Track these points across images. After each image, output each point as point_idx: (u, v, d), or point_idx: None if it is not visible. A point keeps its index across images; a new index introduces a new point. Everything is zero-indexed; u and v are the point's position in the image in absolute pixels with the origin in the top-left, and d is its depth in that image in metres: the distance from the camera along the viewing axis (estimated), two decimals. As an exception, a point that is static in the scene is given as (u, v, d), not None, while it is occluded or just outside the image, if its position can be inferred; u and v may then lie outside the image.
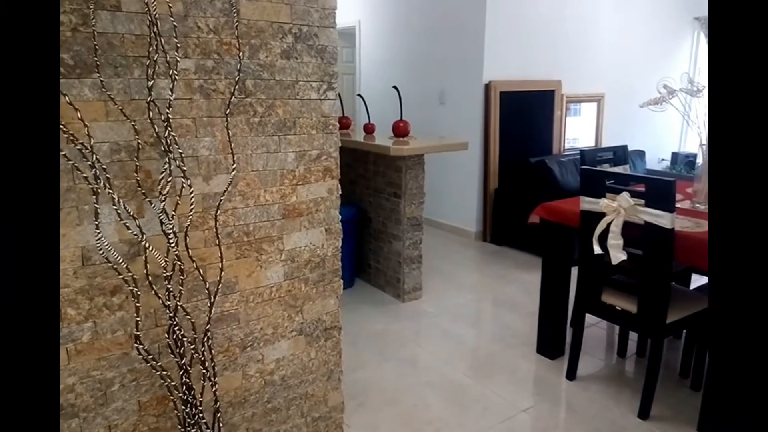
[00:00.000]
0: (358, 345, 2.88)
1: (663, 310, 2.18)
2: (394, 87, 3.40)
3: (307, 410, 1.87)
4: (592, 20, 4.98)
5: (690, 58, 6.08)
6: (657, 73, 5.77)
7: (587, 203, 2.35)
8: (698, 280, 3.25)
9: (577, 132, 5.21)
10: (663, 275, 2.15)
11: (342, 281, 1.86)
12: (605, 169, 2.29)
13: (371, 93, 5.48)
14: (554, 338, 2.77)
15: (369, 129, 3.71)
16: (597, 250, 2.30)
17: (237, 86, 1.53)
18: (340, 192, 1.79)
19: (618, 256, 2.24)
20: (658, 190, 2.09)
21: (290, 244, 1.71)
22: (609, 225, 2.26)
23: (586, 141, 5.30)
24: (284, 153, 1.65)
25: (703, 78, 6.09)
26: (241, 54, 1.52)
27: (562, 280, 2.73)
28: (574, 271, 2.82)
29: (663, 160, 6.03)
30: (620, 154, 3.14)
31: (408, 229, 3.34)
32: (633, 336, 2.89)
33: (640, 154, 5.22)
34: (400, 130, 3.36)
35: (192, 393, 1.41)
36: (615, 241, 2.24)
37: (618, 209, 2.22)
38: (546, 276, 2.76)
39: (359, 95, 4.09)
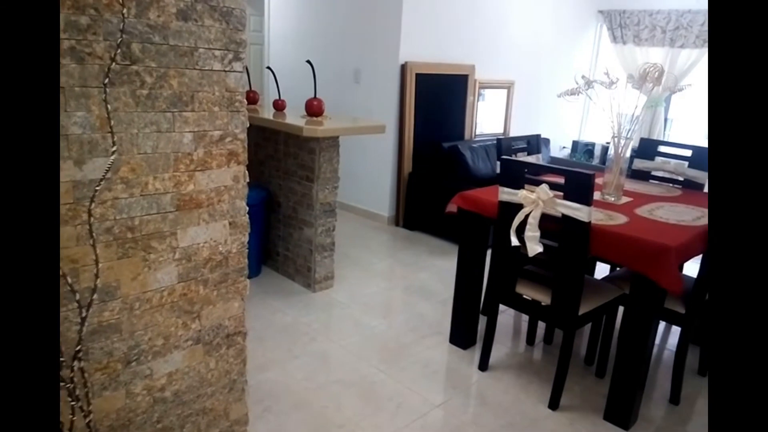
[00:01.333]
0: (265, 341, 2.67)
1: (576, 302, 2.19)
2: (308, 62, 3.16)
3: (205, 426, 1.65)
4: (506, 7, 4.99)
5: (592, 50, 6.34)
6: (563, 64, 5.96)
7: (506, 194, 2.30)
8: (603, 270, 3.37)
9: (485, 118, 5.24)
10: (578, 268, 2.15)
11: (248, 281, 1.65)
12: (524, 160, 2.25)
13: (281, 67, 5.16)
14: (467, 328, 2.74)
15: (279, 106, 3.44)
16: (514, 241, 2.26)
17: (119, 50, 1.25)
18: (247, 180, 1.57)
19: (535, 248, 2.21)
20: (577, 184, 2.08)
21: (186, 240, 1.47)
22: (526, 216, 2.23)
23: (495, 128, 5.37)
24: (179, 133, 1.40)
25: (600, 71, 6.39)
26: (125, 11, 1.25)
27: (477, 270, 2.69)
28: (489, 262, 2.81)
29: (564, 147, 6.28)
30: (534, 143, 3.15)
31: (321, 215, 3.15)
32: (541, 323, 2.93)
33: (545, 141, 5.37)
34: (313, 109, 3.13)
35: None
36: (532, 233, 2.21)
37: (536, 201, 2.19)
38: (461, 266, 2.70)
39: (269, 68, 3.79)
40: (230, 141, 1.51)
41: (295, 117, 3.17)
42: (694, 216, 2.41)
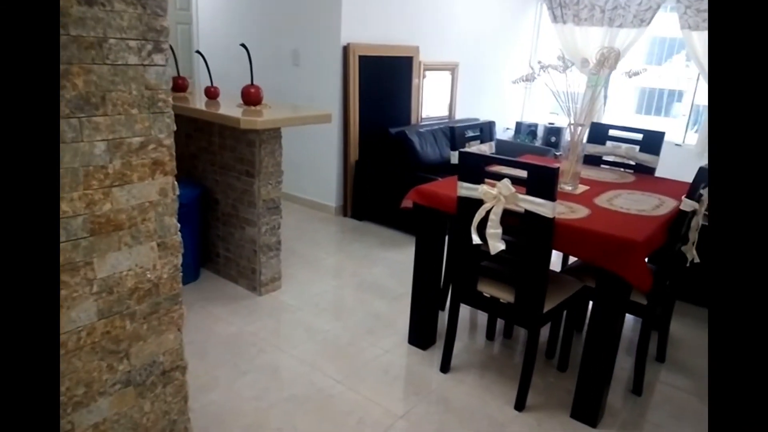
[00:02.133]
0: (207, 357, 2.44)
1: (541, 300, 2.10)
2: (243, 45, 2.87)
3: (143, 479, 1.43)
4: (448, -16, 4.83)
5: (534, 31, 6.30)
6: (505, 44, 5.88)
7: (465, 189, 2.16)
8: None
9: (430, 101, 5.09)
10: (542, 265, 2.05)
11: (184, 308, 1.42)
12: (485, 154, 2.12)
13: (212, 49, 4.79)
14: (426, 328, 2.61)
15: (212, 94, 3.14)
16: (476, 239, 2.13)
17: (1, 41, 0.99)
18: (177, 192, 1.34)
19: (497, 245, 2.09)
20: (540, 178, 1.96)
21: (105, 269, 1.22)
22: (488, 213, 2.10)
23: (440, 111, 5.24)
24: (89, 143, 1.15)
25: (542, 50, 6.38)
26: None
27: (435, 267, 2.56)
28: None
29: (507, 129, 6.26)
30: (486, 131, 3.03)
31: (264, 212, 2.91)
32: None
33: (491, 124, 5.29)
34: (251, 97, 2.86)
35: None
36: (494, 230, 2.09)
37: (498, 197, 2.06)
38: (419, 263, 2.56)
39: (198, 52, 3.46)
40: (154, 148, 1.26)
41: (230, 106, 2.89)
42: (653, 204, 2.36)
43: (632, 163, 3.07)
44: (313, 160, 4.45)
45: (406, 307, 2.97)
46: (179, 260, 1.37)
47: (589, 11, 5.76)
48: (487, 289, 2.26)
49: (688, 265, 2.36)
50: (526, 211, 2.02)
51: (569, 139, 2.61)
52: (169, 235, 1.33)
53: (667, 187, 2.70)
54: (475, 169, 2.13)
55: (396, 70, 4.53)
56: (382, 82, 4.43)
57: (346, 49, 4.06)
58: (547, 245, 2.02)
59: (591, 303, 2.91)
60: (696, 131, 5.75)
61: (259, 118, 2.58)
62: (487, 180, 2.12)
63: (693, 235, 2.31)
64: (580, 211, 2.19)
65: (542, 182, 1.96)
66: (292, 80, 4.43)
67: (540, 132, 6.01)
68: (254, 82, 2.92)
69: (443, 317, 2.86)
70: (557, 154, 5.61)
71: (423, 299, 2.57)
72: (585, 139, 2.54)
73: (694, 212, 2.19)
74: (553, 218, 1.97)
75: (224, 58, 4.61)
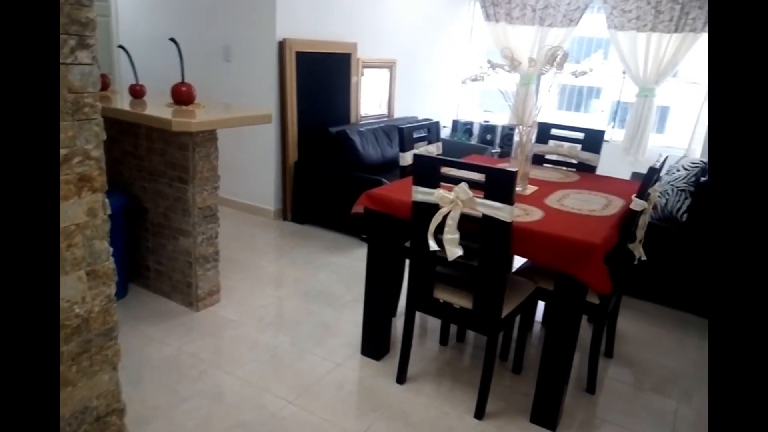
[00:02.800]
0: (142, 384, 2.21)
1: (499, 305, 2.05)
2: (172, 40, 2.63)
3: None
4: (384, -20, 4.73)
5: (468, 28, 6.34)
6: (440, 42, 5.88)
7: (420, 194, 2.08)
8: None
9: (368, 99, 4.99)
10: (500, 270, 2.00)
11: (119, 345, 1.23)
12: (440, 157, 2.04)
13: (134, 44, 4.42)
14: (380, 337, 2.51)
15: (137, 92, 2.87)
16: (433, 246, 2.05)
17: None
18: (108, 212, 1.15)
19: (454, 251, 2.02)
20: (498, 182, 1.90)
21: (22, 308, 1.02)
22: (444, 217, 2.02)
23: (378, 109, 5.14)
24: (-4, 157, 0.95)
25: (476, 45, 6.44)
26: None
27: (388, 274, 2.46)
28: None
29: (444, 127, 6.27)
30: (434, 131, 2.96)
31: (200, 221, 2.69)
32: (453, 321, 2.80)
33: (437, 124, 5.26)
34: (182, 96, 2.63)
35: None
36: (451, 236, 2.02)
37: (455, 201, 1.99)
38: (372, 270, 2.45)
39: (121, 47, 3.16)
40: (80, 162, 1.07)
41: (158, 106, 2.65)
42: (602, 204, 2.38)
43: (574, 161, 3.11)
44: (248, 161, 4.23)
45: (357, 315, 2.86)
46: (113, 289, 1.18)
47: (521, 10, 5.86)
48: (444, 296, 2.19)
49: (636, 263, 2.41)
50: (484, 215, 1.96)
51: (518, 139, 2.59)
52: (99, 261, 1.14)
53: (611, 185, 2.75)
54: (431, 172, 2.04)
55: (334, 68, 4.38)
56: (321, 80, 4.28)
57: (282, 45, 3.87)
58: (506, 250, 1.97)
59: (541, 303, 2.94)
60: (613, 127, 6.03)
61: (192, 120, 2.36)
62: (442, 184, 2.04)
63: (640, 233, 2.35)
64: (534, 213, 2.16)
65: (500, 186, 1.90)
66: (222, 77, 4.18)
67: (475, 130, 6.07)
68: (185, 81, 2.69)
69: (395, 324, 2.77)
70: (494, 152, 5.69)
71: (376, 308, 2.47)
72: (534, 139, 2.53)
73: (642, 211, 2.22)
74: (512, 222, 1.93)
75: (148, 53, 4.28)
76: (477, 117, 6.38)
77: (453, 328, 2.78)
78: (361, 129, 4.29)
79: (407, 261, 2.75)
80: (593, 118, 6.22)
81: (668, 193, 3.32)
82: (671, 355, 2.73)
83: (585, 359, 2.51)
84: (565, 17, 5.66)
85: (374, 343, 2.51)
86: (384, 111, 5.20)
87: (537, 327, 2.91)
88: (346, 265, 3.50)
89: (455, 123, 6.08)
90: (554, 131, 3.20)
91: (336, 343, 2.61)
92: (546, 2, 5.71)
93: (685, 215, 3.20)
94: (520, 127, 2.50)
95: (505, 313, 2.10)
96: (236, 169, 4.24)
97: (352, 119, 4.66)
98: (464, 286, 2.13)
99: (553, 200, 2.39)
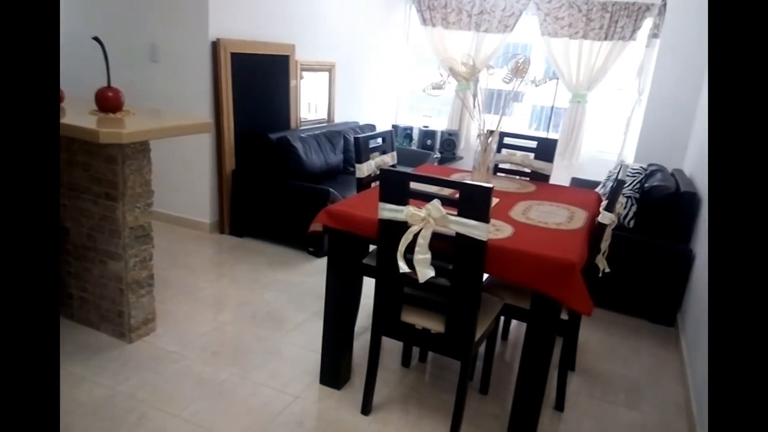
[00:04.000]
0: (70, 438, 1.90)
1: (472, 328, 1.94)
2: (96, 39, 2.30)
3: None
4: (322, -20, 4.53)
5: (404, 33, 6.26)
6: (378, 45, 5.75)
7: (388, 211, 1.92)
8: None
9: (308, 103, 4.77)
10: (475, 291, 1.89)
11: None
12: (410, 171, 1.89)
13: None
14: (340, 364, 2.32)
15: (52, 96, 2.50)
16: (403, 268, 1.90)
17: None
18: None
19: (426, 272, 1.88)
20: (473, 198, 1.78)
21: None
22: (415, 236, 1.88)
23: (318, 114, 4.93)
24: None
25: (411, 48, 6.37)
26: None
27: (350, 296, 2.28)
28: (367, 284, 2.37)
29: (385, 131, 6.15)
30: (388, 140, 2.81)
31: (132, 242, 2.38)
32: (414, 340, 2.66)
33: (371, 127, 5.13)
34: (109, 102, 2.31)
35: None
36: (422, 256, 1.88)
37: (427, 219, 1.85)
38: (332, 292, 2.26)
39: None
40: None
41: (80, 113, 2.32)
42: (566, 216, 2.33)
43: (528, 170, 3.07)
44: (180, 170, 3.88)
45: (311, 338, 2.66)
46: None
47: (457, 15, 5.85)
48: (413, 319, 2.04)
49: (600, 275, 2.38)
50: (458, 233, 1.83)
51: (479, 149, 2.50)
52: None
53: (569, 195, 2.72)
54: (399, 188, 1.89)
55: (272, 70, 4.13)
56: (258, 83, 4.01)
57: (215, 45, 3.57)
58: (480, 270, 1.86)
59: (504, 318, 2.87)
60: (535, 129, 6.20)
61: (123, 130, 2.07)
62: (411, 201, 1.89)
63: (604, 246, 2.32)
64: (505, 229, 2.07)
65: (475, 202, 1.78)
66: (148, 80, 3.81)
67: (415, 135, 5.99)
68: (111, 85, 2.37)
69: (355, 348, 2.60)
70: (435, 157, 5.64)
71: (337, 333, 2.28)
72: (495, 149, 2.45)
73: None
74: (486, 241, 1.81)
75: (64, 52, 3.82)
76: (416, 122, 6.31)
77: (414, 349, 2.65)
78: (303, 135, 4.07)
79: (365, 279, 2.59)
80: (515, 121, 6.35)
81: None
82: (628, 364, 2.75)
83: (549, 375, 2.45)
84: (501, 23, 5.71)
85: (335, 371, 2.32)
86: (324, 116, 5.00)
87: (497, 342, 2.84)
88: (294, 282, 3.27)
89: (395, 128, 5.97)
90: (507, 140, 3.16)
91: (291, 373, 2.40)
92: (481, 8, 5.74)
93: (632, 221, 3.25)
94: (482, 136, 2.41)
95: (477, 335, 1.99)
96: (167, 179, 3.89)
97: (292, 124, 4.42)
98: (435, 309, 2.00)
99: (517, 213, 2.31)
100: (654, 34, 4.83)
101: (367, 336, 2.75)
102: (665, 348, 2.93)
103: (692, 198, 3.20)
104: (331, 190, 3.61)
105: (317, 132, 4.29)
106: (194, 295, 3.02)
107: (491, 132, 2.45)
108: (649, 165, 4.07)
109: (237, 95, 3.79)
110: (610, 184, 3.72)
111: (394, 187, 1.89)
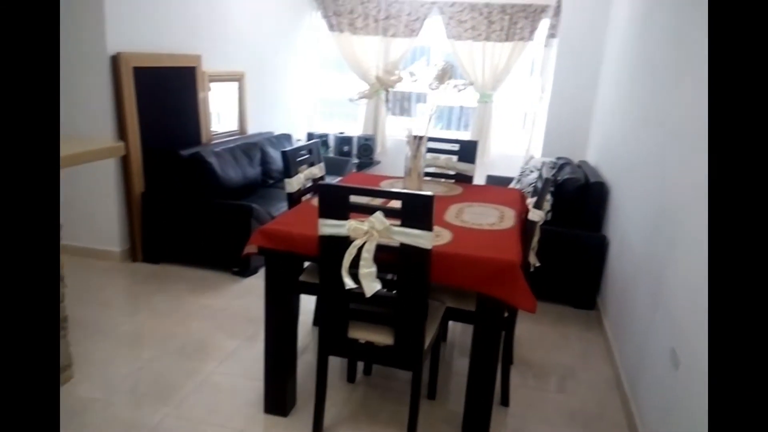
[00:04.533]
0: None
1: (421, 337, 1.92)
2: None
3: None
4: (223, -13, 4.35)
5: (312, 38, 6.18)
6: (287, 52, 5.63)
7: (329, 227, 1.86)
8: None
9: (219, 115, 4.56)
10: (422, 300, 1.87)
11: None
12: (351, 185, 1.84)
13: None
14: (285, 389, 2.22)
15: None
16: (349, 284, 1.85)
17: None
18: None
19: (373, 286, 1.84)
20: (416, 207, 1.77)
21: None
22: (359, 250, 1.83)
23: (229, 125, 4.73)
24: None
25: (321, 54, 6.31)
26: None
27: (290, 318, 2.18)
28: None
29: (299, 140, 6.03)
30: (315, 152, 2.74)
31: (38, 284, 2.12)
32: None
33: (288, 137, 5.00)
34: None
35: None
36: (368, 270, 1.84)
37: (370, 232, 1.81)
38: (271, 314, 2.16)
39: None
40: None
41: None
42: (497, 216, 2.38)
43: (452, 173, 3.13)
44: (83, 197, 3.55)
45: (249, 364, 2.53)
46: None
47: (364, 20, 5.87)
48: (361, 335, 1.99)
49: (531, 270, 2.46)
50: (402, 244, 1.81)
51: (410, 155, 2.49)
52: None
53: (494, 194, 2.80)
54: (339, 202, 1.83)
55: (179, 83, 3.90)
56: (165, 97, 3.77)
57: (115, 60, 3.30)
58: (426, 278, 1.85)
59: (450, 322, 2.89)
60: (441, 129, 6.43)
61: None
62: (352, 214, 1.84)
63: (534, 242, 2.40)
64: (443, 234, 2.08)
65: (418, 211, 1.77)
66: (37, 98, 3.45)
67: (331, 142, 5.93)
68: None
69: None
70: (354, 162, 5.61)
71: (279, 357, 2.18)
72: (425, 153, 2.46)
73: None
74: (431, 249, 1.81)
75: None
76: (331, 129, 6.25)
77: (360, 362, 2.60)
78: (217, 149, 3.88)
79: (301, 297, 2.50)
80: (418, 122, 6.53)
81: (528, 193, 3.52)
82: (561, 351, 2.87)
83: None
84: (407, 27, 5.80)
85: (280, 398, 2.21)
86: (235, 127, 4.80)
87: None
88: (221, 307, 3.09)
89: (310, 136, 5.88)
90: (429, 144, 3.18)
91: (232, 405, 2.25)
92: (387, 13, 5.79)
93: (549, 213, 3.41)
94: (412, 142, 2.41)
95: (427, 343, 1.97)
96: (69, 207, 3.54)
97: (204, 139, 4.20)
98: (383, 322, 1.96)
99: (452, 216, 2.34)
100: (551, 35, 5.12)
101: (308, 356, 2.66)
102: (591, 331, 3.10)
103: (601, 187, 3.41)
104: (253, 205, 3.47)
105: (231, 145, 4.11)
106: (112, 332, 2.76)
107: (420, 138, 2.45)
108: (558, 158, 4.30)
109: (142, 112, 3.53)
110: (525, 178, 3.89)
111: (334, 202, 1.84)
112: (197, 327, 2.86)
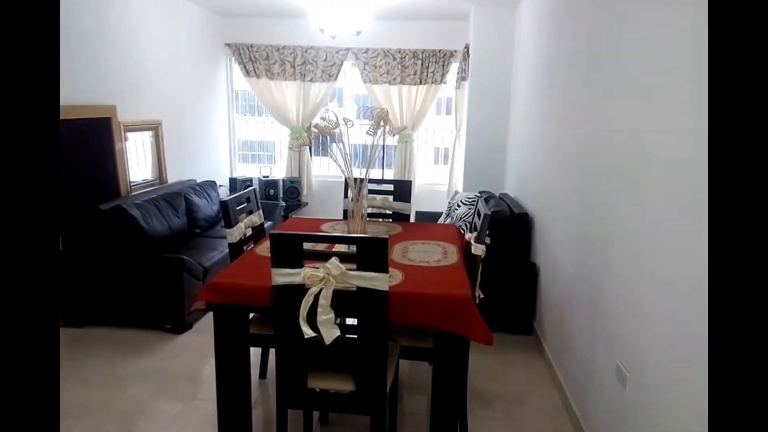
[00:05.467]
0: None
1: (383, 380, 1.92)
2: None
3: None
4: (138, 40, 4.23)
5: (227, 85, 6.14)
6: (204, 98, 5.54)
7: (283, 276, 1.84)
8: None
9: (136, 165, 4.37)
10: (382, 343, 1.88)
11: None
12: (302, 233, 1.83)
13: None
14: (241, 449, 2.12)
15: None
16: (308, 333, 1.82)
17: None
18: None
19: (332, 332, 1.84)
20: (371, 251, 1.80)
21: None
22: (315, 298, 1.82)
23: (148, 175, 4.54)
24: None
25: (239, 98, 6.26)
26: None
27: (243, 373, 2.10)
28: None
29: (221, 186, 5.89)
30: (253, 200, 2.70)
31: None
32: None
33: (212, 184, 4.87)
34: None
35: None
36: (326, 316, 1.83)
37: (326, 278, 1.81)
38: (223, 371, 2.07)
39: None
40: None
41: None
42: (441, 252, 2.47)
43: (389, 212, 3.20)
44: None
45: (197, 427, 2.39)
46: None
47: (281, 66, 5.93)
48: (321, 383, 1.96)
49: (477, 302, 2.55)
50: (359, 287, 1.82)
51: (350, 198, 2.53)
52: None
53: (433, 232, 2.89)
54: (292, 251, 1.82)
55: (94, 135, 3.71)
56: (80, 150, 3.57)
57: (24, 112, 3.09)
58: (385, 320, 1.87)
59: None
60: (358, 167, 6.56)
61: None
62: (306, 262, 1.84)
63: (477, 275, 2.50)
64: (395, 275, 2.12)
65: (373, 254, 1.80)
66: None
67: (256, 185, 5.84)
68: None
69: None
70: (282, 205, 5.55)
71: (235, 416, 2.08)
72: (366, 195, 2.51)
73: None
74: (388, 290, 1.84)
75: None
76: (253, 172, 6.17)
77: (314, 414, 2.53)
78: (138, 201, 3.71)
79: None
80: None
81: (463, 228, 3.67)
82: (507, 379, 2.97)
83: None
84: (324, 72, 5.92)
85: (236, 459, 2.11)
86: (155, 176, 4.61)
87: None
88: (158, 368, 2.91)
89: (233, 181, 5.76)
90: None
91: (184, 473, 2.11)
92: (303, 59, 5.89)
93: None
94: (354, 185, 2.45)
95: (388, 385, 1.98)
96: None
97: (122, 191, 4.00)
98: (342, 368, 1.94)
99: (398, 256, 2.39)
100: (462, 77, 5.44)
101: (258, 412, 2.55)
102: (532, 356, 3.23)
103: (526, 218, 3.63)
104: (184, 257, 3.33)
105: (153, 195, 3.94)
106: (35, 409, 2.50)
107: (361, 180, 2.50)
108: (481, 192, 4.53)
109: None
110: (455, 213, 4.05)
111: (287, 250, 1.82)
112: (135, 392, 2.67)
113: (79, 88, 3.56)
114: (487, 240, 2.46)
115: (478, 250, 2.30)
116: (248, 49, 5.89)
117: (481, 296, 2.57)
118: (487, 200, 4.11)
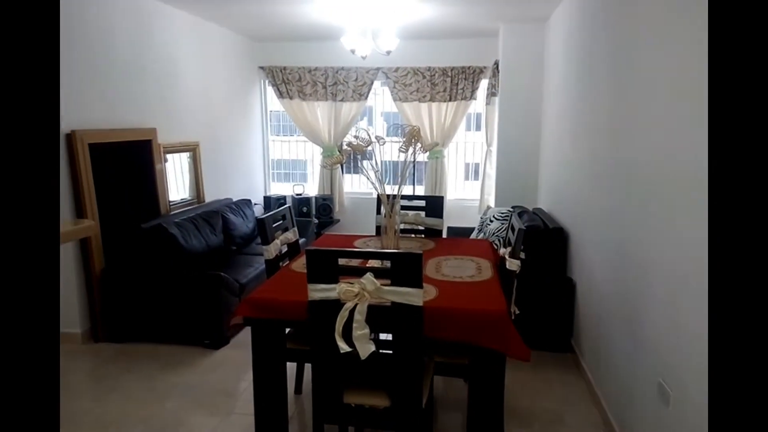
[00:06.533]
0: None
1: (419, 396, 1.92)
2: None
3: None
4: (176, 64, 4.40)
5: (261, 106, 6.30)
6: (240, 119, 5.70)
7: (318, 291, 1.86)
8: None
9: (175, 185, 4.51)
10: (417, 358, 1.88)
11: None
12: (338, 249, 1.86)
13: None
14: (278, 464, 2.14)
15: None
16: (344, 348, 1.84)
17: None
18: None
19: (368, 347, 1.85)
20: (406, 266, 1.81)
21: None
22: (350, 313, 1.84)
23: (187, 194, 4.68)
24: None
25: (272, 119, 6.41)
26: None
27: (281, 388, 2.13)
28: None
29: (256, 204, 6.01)
30: (288, 217, 2.75)
31: None
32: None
33: (247, 202, 4.98)
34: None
35: None
36: (361, 331, 1.84)
37: (361, 293, 1.83)
38: (260, 386, 2.10)
39: None
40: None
41: None
42: (474, 268, 2.46)
43: (422, 228, 3.21)
44: (36, 279, 3.37)
45: (237, 443, 2.42)
46: None
47: (312, 87, 6.05)
48: (357, 399, 1.97)
49: (513, 318, 2.52)
50: (393, 303, 1.83)
51: (383, 214, 2.55)
52: None
53: (466, 247, 2.88)
54: (328, 266, 1.85)
55: (135, 157, 3.86)
56: (121, 172, 3.71)
57: (71, 138, 3.25)
58: (420, 335, 1.87)
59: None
60: (389, 184, 6.62)
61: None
62: (342, 277, 1.86)
63: (513, 291, 2.48)
64: (429, 290, 2.12)
65: (408, 270, 1.81)
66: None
67: (289, 203, 5.94)
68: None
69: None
70: (315, 222, 5.63)
71: (271, 431, 2.10)
72: (399, 211, 2.53)
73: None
74: (423, 305, 1.84)
75: None
76: (287, 190, 6.28)
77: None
78: (178, 220, 3.82)
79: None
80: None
81: (496, 244, 3.64)
82: (545, 396, 2.91)
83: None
84: (355, 92, 6.01)
85: (273, 474, 2.12)
86: (193, 196, 4.75)
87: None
88: (196, 383, 2.96)
89: (267, 199, 5.88)
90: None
91: (222, 488, 2.14)
92: (335, 80, 6.00)
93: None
94: (387, 201, 2.48)
95: (423, 401, 1.97)
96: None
97: (162, 210, 4.12)
98: (378, 383, 1.95)
99: (432, 271, 2.39)
100: (492, 93, 5.45)
101: (294, 427, 2.57)
102: (570, 374, 3.16)
103: (561, 233, 3.58)
104: (222, 274, 3.40)
105: (192, 214, 4.05)
106: (80, 420, 2.58)
107: (394, 196, 2.53)
108: (514, 207, 4.49)
109: (100, 187, 3.45)
110: (487, 228, 4.03)
111: (323, 266, 1.85)
112: (173, 406, 2.72)
113: (122, 112, 3.72)
114: (522, 255, 2.44)
115: (512, 265, 2.28)
116: (281, 71, 6.05)
117: (517, 312, 2.54)
118: (520, 215, 4.08)
